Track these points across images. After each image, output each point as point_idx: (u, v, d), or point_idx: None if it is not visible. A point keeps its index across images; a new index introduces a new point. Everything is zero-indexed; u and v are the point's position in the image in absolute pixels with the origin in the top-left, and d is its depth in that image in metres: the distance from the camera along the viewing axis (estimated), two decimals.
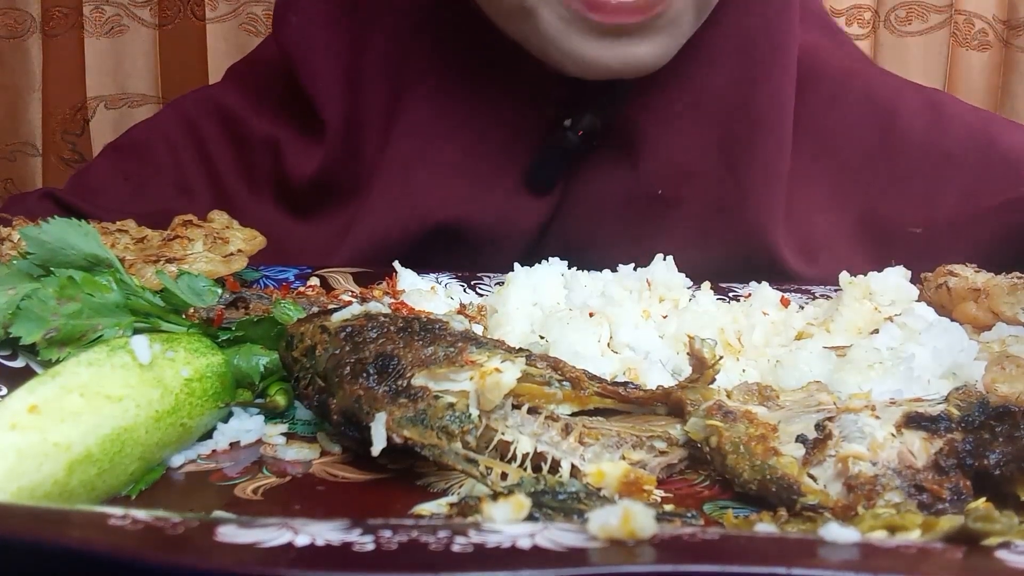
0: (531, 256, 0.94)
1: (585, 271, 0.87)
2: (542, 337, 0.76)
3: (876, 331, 0.75)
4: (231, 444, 0.65)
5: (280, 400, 0.68)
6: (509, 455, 0.59)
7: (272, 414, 0.69)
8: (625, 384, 0.65)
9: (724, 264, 1.00)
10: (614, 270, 0.88)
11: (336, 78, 1.10)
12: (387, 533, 0.41)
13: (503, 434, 0.60)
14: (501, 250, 1.06)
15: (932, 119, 1.12)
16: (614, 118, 1.03)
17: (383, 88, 1.09)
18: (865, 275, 0.82)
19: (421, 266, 0.93)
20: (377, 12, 1.09)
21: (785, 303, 0.83)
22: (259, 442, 0.65)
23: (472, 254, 1.06)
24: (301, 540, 0.40)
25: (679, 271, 0.84)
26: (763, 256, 1.05)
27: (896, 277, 0.80)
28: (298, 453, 0.64)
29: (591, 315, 0.76)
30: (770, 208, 1.06)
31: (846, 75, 1.14)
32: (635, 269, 0.86)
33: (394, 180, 1.08)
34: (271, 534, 0.40)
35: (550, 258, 0.88)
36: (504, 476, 0.58)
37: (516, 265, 0.86)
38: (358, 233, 1.07)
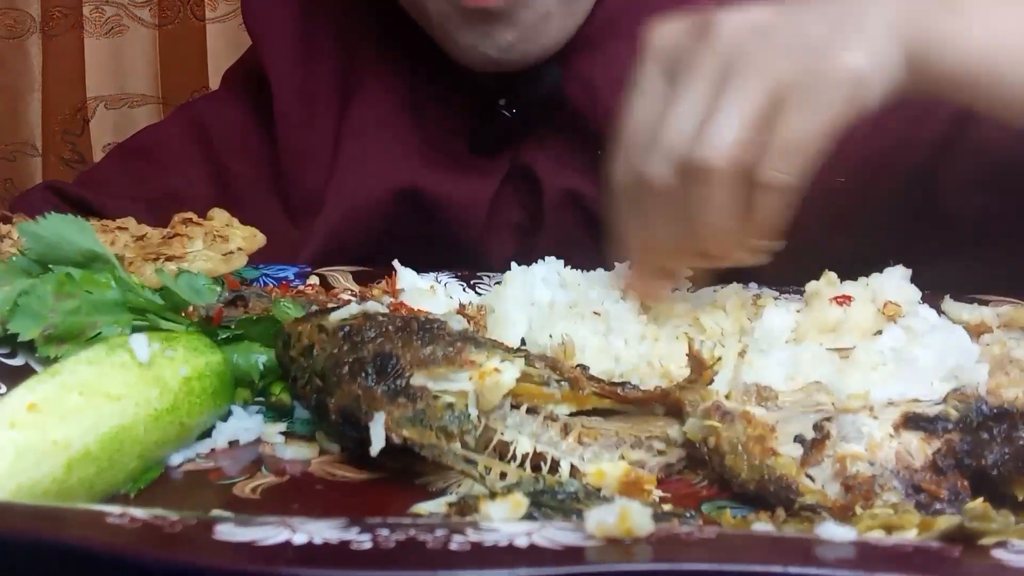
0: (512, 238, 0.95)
1: (581, 270, 0.87)
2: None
3: (879, 332, 0.75)
4: (230, 443, 0.65)
5: (286, 399, 0.68)
6: (508, 455, 0.59)
7: (271, 413, 0.69)
8: (623, 384, 0.65)
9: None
10: (609, 267, 0.87)
11: (288, 53, 1.14)
12: (385, 532, 0.41)
13: (502, 434, 0.60)
14: (463, 218, 1.08)
15: None
16: (545, 94, 1.05)
17: (334, 64, 1.13)
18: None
19: (394, 238, 0.97)
20: None
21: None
22: (258, 441, 0.65)
23: (437, 222, 1.08)
24: (299, 539, 0.40)
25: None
26: None
27: (898, 278, 0.80)
28: (297, 452, 0.64)
29: (592, 314, 0.76)
30: None
31: None
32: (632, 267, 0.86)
33: (352, 154, 1.11)
34: (269, 532, 0.41)
35: (546, 258, 0.88)
36: (503, 476, 0.58)
37: (513, 264, 0.86)
38: (327, 212, 1.10)
